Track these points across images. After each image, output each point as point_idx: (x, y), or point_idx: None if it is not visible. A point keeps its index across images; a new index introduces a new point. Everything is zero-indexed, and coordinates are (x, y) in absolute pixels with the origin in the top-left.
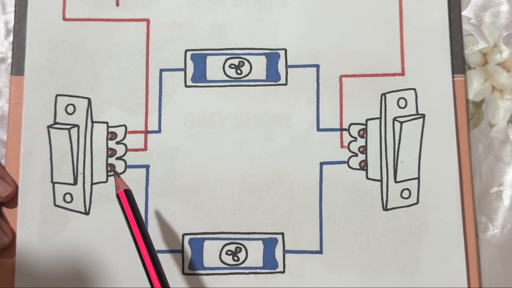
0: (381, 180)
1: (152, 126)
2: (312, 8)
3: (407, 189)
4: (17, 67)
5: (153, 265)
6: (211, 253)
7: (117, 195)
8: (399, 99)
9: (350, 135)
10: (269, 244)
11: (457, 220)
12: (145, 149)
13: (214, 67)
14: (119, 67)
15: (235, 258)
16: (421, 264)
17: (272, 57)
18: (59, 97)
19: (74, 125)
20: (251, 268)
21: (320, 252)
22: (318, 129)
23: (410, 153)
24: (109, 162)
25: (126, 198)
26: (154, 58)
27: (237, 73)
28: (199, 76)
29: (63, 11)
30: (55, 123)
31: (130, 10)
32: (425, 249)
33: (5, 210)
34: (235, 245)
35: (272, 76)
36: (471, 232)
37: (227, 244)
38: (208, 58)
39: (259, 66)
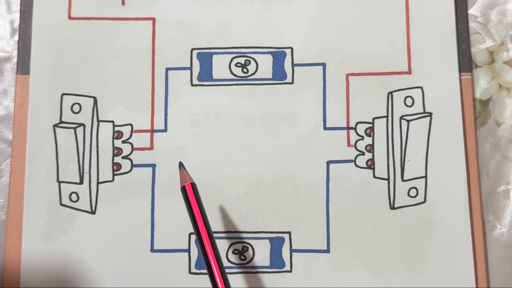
0: (388, 179)
1: (158, 125)
2: (318, 6)
3: (414, 187)
4: (23, 66)
5: (217, 262)
6: None
7: (183, 188)
8: (406, 97)
9: (357, 134)
10: (276, 243)
11: (465, 219)
12: (151, 148)
13: (220, 66)
14: (125, 66)
15: (242, 257)
16: (428, 263)
17: (278, 55)
18: (64, 96)
19: (80, 124)
20: (258, 267)
21: (327, 251)
22: (325, 128)
23: (417, 152)
24: (115, 161)
25: (193, 191)
26: (160, 57)
27: (243, 72)
28: (205, 75)
29: (68, 10)
30: (61, 122)
31: (135, 9)
32: (432, 247)
33: (10, 209)
34: (242, 244)
35: (279, 75)
36: (479, 230)
37: (234, 243)
38: (214, 57)
39: (265, 64)
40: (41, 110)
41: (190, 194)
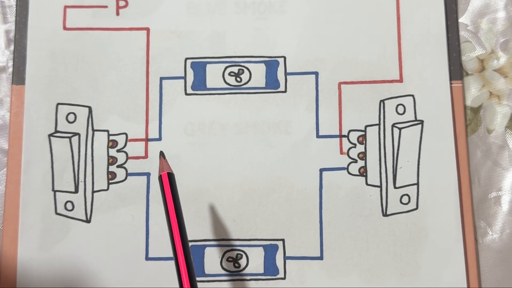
0: (380, 186)
1: (153, 134)
2: (310, 16)
3: (407, 194)
4: (18, 76)
5: (184, 255)
6: (212, 260)
7: (160, 177)
8: (397, 105)
9: (350, 142)
10: (270, 251)
11: (456, 225)
12: (145, 156)
13: (214, 75)
14: (120, 76)
15: (236, 264)
16: (420, 269)
17: (271, 64)
18: (60, 106)
19: (75, 134)
20: (252, 274)
21: (320, 258)
22: (318, 136)
23: (409, 159)
24: (110, 170)
25: (169, 181)
26: (154, 67)
27: (237, 81)
28: (199, 84)
29: (63, 20)
30: (56, 131)
31: (130, 19)
32: (424, 254)
33: (6, 218)
34: (236, 252)
35: (272, 84)
36: (470, 237)
37: (228, 251)
38: (208, 66)
39: (258, 73)
40: (37, 120)
41: (166, 184)
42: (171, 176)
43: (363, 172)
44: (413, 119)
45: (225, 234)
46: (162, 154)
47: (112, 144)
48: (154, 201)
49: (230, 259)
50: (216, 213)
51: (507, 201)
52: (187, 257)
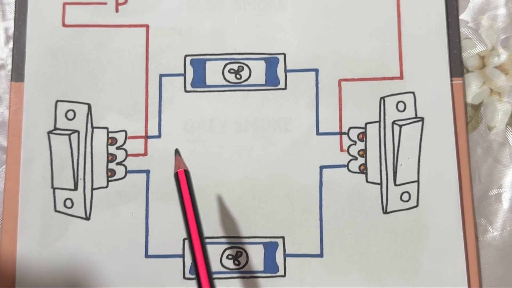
0: (380, 184)
1: (152, 131)
2: (310, 12)
3: (407, 192)
4: (17, 73)
5: (203, 253)
6: (212, 257)
7: (176, 175)
8: (398, 102)
9: (350, 139)
10: (270, 248)
11: (457, 223)
12: (145, 154)
13: (213, 72)
14: (119, 73)
15: (236, 262)
16: (421, 267)
17: (271, 61)
18: (59, 103)
19: (74, 131)
20: (252, 272)
21: (320, 255)
22: (318, 133)
23: (410, 156)
24: (109, 167)
25: (186, 179)
26: (153, 64)
27: (237, 78)
28: (199, 81)
29: (62, 17)
30: (55, 128)
31: (129, 16)
32: (425, 251)
33: (5, 215)
34: (235, 249)
35: (272, 81)
36: (471, 234)
37: (227, 248)
38: (208, 63)
39: (258, 70)
40: (36, 117)
41: (182, 181)
42: (187, 173)
43: (363, 169)
44: (414, 116)
45: (225, 231)
46: (177, 151)
47: (112, 141)
48: (153, 199)
49: (230, 256)
50: (216, 210)
51: (507, 198)
52: (205, 256)
